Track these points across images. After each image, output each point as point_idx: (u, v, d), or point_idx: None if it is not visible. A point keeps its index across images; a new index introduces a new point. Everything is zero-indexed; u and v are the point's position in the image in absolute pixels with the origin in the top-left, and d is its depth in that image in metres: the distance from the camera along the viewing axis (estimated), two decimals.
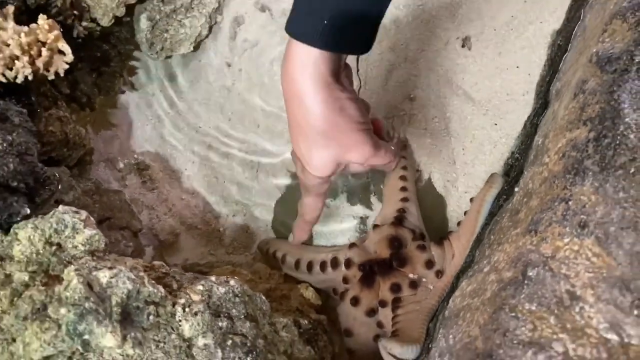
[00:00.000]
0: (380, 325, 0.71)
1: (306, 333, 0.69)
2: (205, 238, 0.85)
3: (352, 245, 0.75)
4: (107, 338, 0.51)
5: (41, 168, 0.64)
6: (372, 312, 0.71)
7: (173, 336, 0.57)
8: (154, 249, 0.81)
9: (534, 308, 0.44)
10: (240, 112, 0.88)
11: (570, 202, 0.47)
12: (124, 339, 0.53)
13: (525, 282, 0.46)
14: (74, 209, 0.59)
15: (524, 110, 0.80)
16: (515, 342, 0.43)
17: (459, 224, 0.74)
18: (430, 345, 0.62)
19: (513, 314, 0.45)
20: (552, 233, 0.47)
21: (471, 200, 0.74)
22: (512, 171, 0.74)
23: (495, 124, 0.81)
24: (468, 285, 0.57)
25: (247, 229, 0.85)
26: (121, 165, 0.84)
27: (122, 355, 0.53)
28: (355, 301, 0.71)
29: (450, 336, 0.54)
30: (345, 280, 0.73)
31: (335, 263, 0.74)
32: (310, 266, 0.76)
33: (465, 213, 0.74)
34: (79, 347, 0.51)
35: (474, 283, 0.56)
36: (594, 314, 0.42)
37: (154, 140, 0.89)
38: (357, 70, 0.86)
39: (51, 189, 0.66)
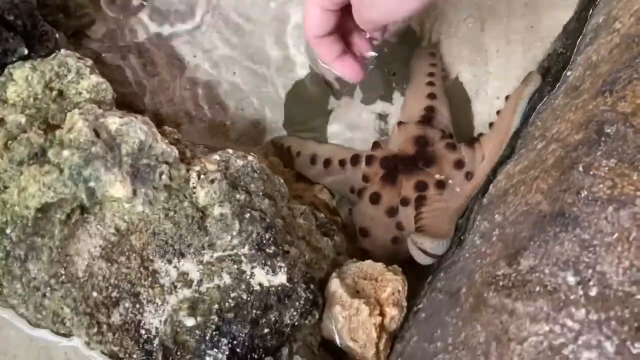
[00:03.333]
0: (399, 226, 0.66)
1: (323, 226, 0.65)
2: (209, 131, 0.78)
3: (375, 144, 0.69)
4: (115, 187, 0.45)
5: (40, 16, 0.57)
6: (392, 212, 0.66)
7: (186, 204, 0.51)
8: None
9: (612, 164, 0.39)
10: None
11: None
12: (134, 193, 0.47)
13: (602, 139, 0.41)
14: (78, 54, 0.52)
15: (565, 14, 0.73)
16: (591, 199, 0.38)
17: (490, 125, 0.69)
18: (462, 237, 0.57)
19: (589, 172, 0.39)
20: (633, 91, 0.42)
21: (506, 98, 0.69)
22: (551, 72, 0.69)
23: (532, 27, 0.75)
24: (515, 166, 0.52)
25: (258, 124, 0.78)
26: (121, 43, 0.76)
27: (130, 213, 0.47)
28: (375, 198, 0.67)
29: (497, 215, 0.49)
30: (366, 178, 0.68)
31: (355, 160, 0.69)
32: (328, 163, 0.72)
33: (497, 113, 0.69)
34: (83, 196, 0.45)
35: (525, 161, 0.51)
36: None
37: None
38: None
39: (48, 47, 0.58)
